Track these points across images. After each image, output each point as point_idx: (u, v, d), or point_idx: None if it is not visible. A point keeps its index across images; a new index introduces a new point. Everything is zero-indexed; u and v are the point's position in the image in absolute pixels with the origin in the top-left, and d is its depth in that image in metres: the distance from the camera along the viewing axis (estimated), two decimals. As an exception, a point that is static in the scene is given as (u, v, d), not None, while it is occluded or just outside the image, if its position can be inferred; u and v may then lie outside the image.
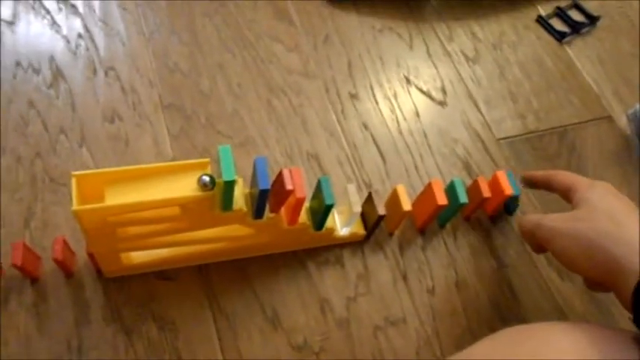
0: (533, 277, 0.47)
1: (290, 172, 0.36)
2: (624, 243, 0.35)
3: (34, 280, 0.40)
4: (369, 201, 0.45)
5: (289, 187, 0.35)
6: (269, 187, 0.35)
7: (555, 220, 0.39)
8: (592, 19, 0.66)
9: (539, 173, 0.47)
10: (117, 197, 0.35)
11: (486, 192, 0.46)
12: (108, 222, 0.35)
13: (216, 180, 0.35)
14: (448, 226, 0.48)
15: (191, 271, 0.43)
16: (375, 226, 0.45)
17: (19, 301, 0.39)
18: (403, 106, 0.56)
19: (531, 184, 0.47)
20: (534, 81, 0.60)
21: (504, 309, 0.45)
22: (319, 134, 0.52)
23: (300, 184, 0.37)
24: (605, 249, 0.35)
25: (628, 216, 0.37)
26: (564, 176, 0.44)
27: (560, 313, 0.46)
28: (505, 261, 0.48)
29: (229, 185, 0.35)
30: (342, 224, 0.45)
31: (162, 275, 0.42)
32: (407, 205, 0.44)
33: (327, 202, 0.39)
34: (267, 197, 0.36)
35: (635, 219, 0.37)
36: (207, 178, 0.34)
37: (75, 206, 0.33)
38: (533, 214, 0.45)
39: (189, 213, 0.36)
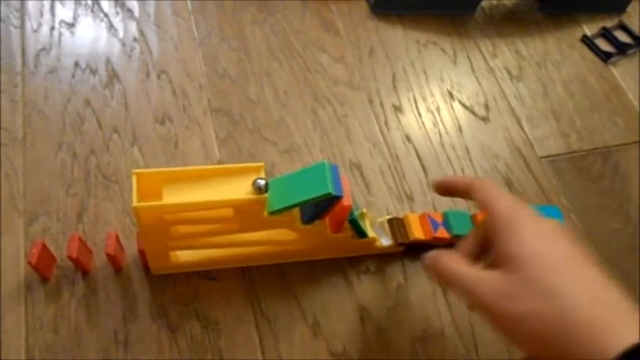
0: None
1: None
2: (573, 332, 0.28)
3: (86, 273, 0.41)
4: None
5: (340, 193, 0.36)
6: (343, 194, 0.36)
7: (488, 295, 0.31)
8: (638, 41, 0.65)
9: (459, 180, 0.39)
10: (174, 196, 0.36)
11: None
12: (163, 220, 0.36)
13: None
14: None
15: (234, 272, 0.44)
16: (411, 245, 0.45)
17: (71, 293, 0.41)
18: (446, 120, 0.56)
19: (447, 191, 0.39)
20: (578, 100, 0.60)
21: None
22: (362, 144, 0.52)
23: (348, 192, 0.38)
24: (553, 340, 0.28)
25: (572, 285, 0.29)
26: (484, 194, 0.35)
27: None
28: (545, 279, 0.48)
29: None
30: (382, 234, 0.45)
31: (207, 275, 0.43)
32: (418, 233, 0.45)
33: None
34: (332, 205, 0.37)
35: (584, 284, 0.29)
36: (262, 182, 0.35)
37: (135, 203, 0.34)
38: (452, 256, 0.35)
39: (242, 215, 0.37)
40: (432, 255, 0.35)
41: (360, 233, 0.42)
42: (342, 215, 0.40)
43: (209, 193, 0.36)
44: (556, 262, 0.30)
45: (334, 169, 0.36)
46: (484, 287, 0.31)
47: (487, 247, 0.35)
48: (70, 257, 0.39)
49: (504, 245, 0.32)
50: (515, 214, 0.33)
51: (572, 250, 0.31)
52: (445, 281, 0.34)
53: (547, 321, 0.28)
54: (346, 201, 0.38)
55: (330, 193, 0.34)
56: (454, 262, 0.34)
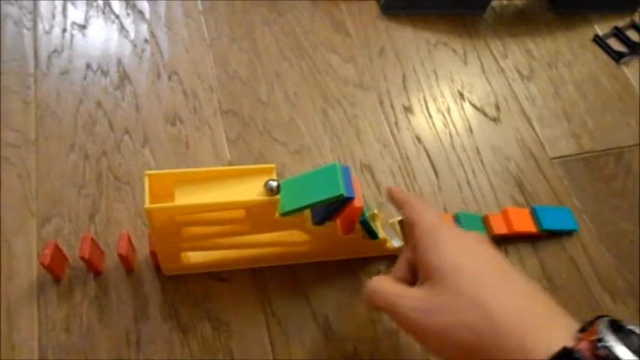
0: (585, 299, 0.47)
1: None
2: (500, 342, 0.27)
3: (98, 274, 0.42)
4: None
5: (352, 194, 0.36)
6: (354, 195, 0.35)
7: (413, 310, 0.30)
8: (651, 41, 0.65)
9: (397, 194, 0.39)
10: (186, 197, 0.36)
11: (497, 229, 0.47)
12: (175, 221, 0.36)
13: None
14: (499, 244, 0.48)
15: (245, 273, 0.44)
16: None
17: (83, 293, 0.41)
18: (456, 120, 0.56)
19: (391, 201, 0.40)
20: (590, 101, 0.60)
21: (556, 330, 0.45)
22: (373, 145, 0.52)
23: (359, 193, 0.38)
24: (480, 351, 0.28)
25: (496, 294, 0.28)
26: (410, 211, 0.36)
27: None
28: (557, 282, 0.47)
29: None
30: (394, 236, 0.45)
31: (218, 276, 0.43)
32: None
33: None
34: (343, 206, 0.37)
35: (508, 293, 0.29)
36: (274, 184, 0.35)
37: (147, 204, 0.34)
38: (382, 278, 0.35)
39: (253, 216, 0.37)
40: (368, 282, 0.35)
41: (372, 234, 0.42)
42: (353, 216, 0.40)
43: (221, 194, 0.36)
44: (478, 272, 0.30)
45: (346, 171, 0.36)
46: (408, 302, 0.31)
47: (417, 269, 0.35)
48: (82, 258, 0.39)
49: (427, 259, 0.32)
50: (437, 229, 0.33)
51: (494, 260, 0.31)
52: (373, 303, 0.34)
53: (473, 332, 0.28)
54: (357, 202, 0.38)
55: (341, 195, 0.34)
56: (382, 282, 0.34)
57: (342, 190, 0.34)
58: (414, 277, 0.35)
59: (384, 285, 0.34)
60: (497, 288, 0.29)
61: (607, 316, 0.27)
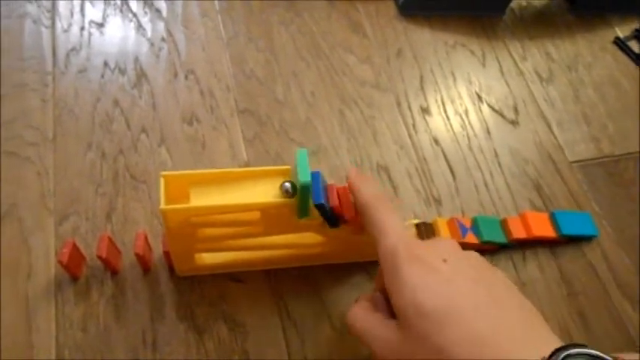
0: (605, 305, 0.46)
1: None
2: None
3: (114, 273, 0.42)
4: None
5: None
6: (308, 179, 0.34)
7: (386, 352, 0.30)
8: (673, 44, 0.64)
9: (357, 192, 0.36)
10: (201, 199, 0.36)
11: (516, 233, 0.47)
12: (190, 222, 0.36)
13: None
14: (517, 248, 0.48)
15: (261, 274, 0.44)
16: None
17: (100, 292, 0.41)
18: (474, 123, 0.55)
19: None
20: (610, 104, 0.59)
21: (575, 337, 0.44)
22: (390, 146, 0.52)
23: (348, 202, 0.37)
24: None
25: (459, 343, 0.27)
26: (371, 222, 0.34)
27: (631, 344, 0.45)
28: (576, 287, 0.47)
29: (305, 188, 0.35)
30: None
31: (233, 277, 0.43)
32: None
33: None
34: (328, 210, 0.36)
35: (474, 338, 0.27)
36: (289, 185, 0.35)
37: (162, 205, 0.34)
38: (360, 310, 0.34)
39: (269, 218, 0.37)
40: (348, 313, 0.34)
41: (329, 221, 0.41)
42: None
43: (236, 195, 0.36)
44: (442, 313, 0.28)
45: (315, 176, 0.35)
46: (380, 344, 0.30)
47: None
48: (99, 257, 0.39)
49: (390, 292, 0.31)
50: (395, 255, 0.31)
51: (463, 285, 0.29)
52: (350, 332, 0.33)
53: None
54: (348, 213, 0.37)
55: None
56: (359, 315, 0.33)
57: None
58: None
59: (361, 318, 0.33)
60: (459, 330, 0.28)
61: (574, 345, 0.26)
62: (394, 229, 0.33)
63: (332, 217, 0.37)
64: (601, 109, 0.58)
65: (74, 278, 0.41)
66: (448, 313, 0.28)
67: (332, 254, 0.44)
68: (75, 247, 0.40)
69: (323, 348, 0.41)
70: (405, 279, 0.30)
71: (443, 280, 0.30)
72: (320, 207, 0.36)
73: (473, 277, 0.30)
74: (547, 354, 0.26)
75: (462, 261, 0.31)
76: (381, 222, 0.33)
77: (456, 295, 0.29)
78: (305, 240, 0.41)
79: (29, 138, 0.47)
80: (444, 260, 0.31)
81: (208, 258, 0.43)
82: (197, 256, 0.42)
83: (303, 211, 0.37)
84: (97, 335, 0.39)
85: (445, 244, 0.33)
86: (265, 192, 0.36)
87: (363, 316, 0.33)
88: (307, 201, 0.36)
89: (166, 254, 0.41)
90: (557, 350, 0.26)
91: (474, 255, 0.33)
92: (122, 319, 0.40)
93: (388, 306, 0.33)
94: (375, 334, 0.31)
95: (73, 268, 0.40)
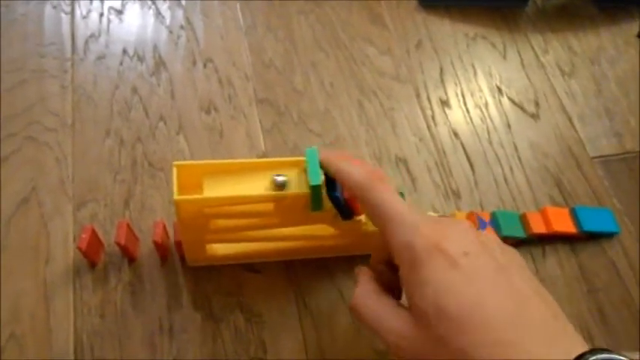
0: (626, 302, 0.45)
1: None
2: None
3: (132, 260, 0.42)
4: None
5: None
6: (319, 183, 0.34)
7: (399, 348, 0.29)
8: (699, 39, 0.62)
9: (342, 171, 0.33)
10: (215, 189, 0.35)
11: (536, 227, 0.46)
12: (204, 213, 0.36)
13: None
14: (537, 244, 0.47)
15: (278, 265, 0.43)
16: None
17: (118, 279, 0.41)
18: (494, 116, 0.54)
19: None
20: (632, 99, 0.58)
21: (595, 334, 0.43)
22: (409, 138, 0.51)
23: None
24: None
25: (482, 348, 0.26)
26: (372, 200, 0.31)
27: (652, 344, 0.44)
28: (596, 284, 0.46)
29: (316, 190, 0.35)
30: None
31: (250, 267, 0.43)
32: None
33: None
34: (342, 202, 0.36)
35: (494, 340, 0.26)
36: (280, 179, 0.35)
37: (175, 196, 0.34)
38: (365, 294, 0.32)
39: (283, 210, 0.37)
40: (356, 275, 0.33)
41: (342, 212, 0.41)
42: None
43: (250, 186, 0.36)
44: (465, 315, 0.27)
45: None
46: (393, 338, 0.29)
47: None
48: (118, 244, 0.39)
49: (407, 290, 0.29)
50: (413, 249, 0.29)
51: (485, 280, 0.28)
52: (356, 320, 0.32)
53: None
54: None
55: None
56: (365, 301, 0.31)
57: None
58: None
59: (369, 306, 0.31)
60: (482, 334, 0.26)
61: (601, 350, 0.26)
62: (401, 214, 0.30)
63: (346, 209, 0.37)
64: (624, 104, 0.57)
65: (92, 265, 0.41)
66: (471, 316, 0.27)
67: (347, 246, 0.44)
68: (94, 234, 0.40)
69: (339, 338, 0.41)
70: (426, 277, 0.28)
71: (466, 280, 0.28)
72: (334, 199, 0.35)
73: (494, 269, 0.29)
74: (572, 357, 0.25)
75: (483, 254, 0.30)
76: (384, 206, 0.31)
77: (479, 296, 0.27)
78: (318, 232, 0.41)
79: (48, 124, 0.47)
80: (465, 254, 0.29)
81: (220, 249, 0.42)
82: (208, 246, 0.41)
83: (316, 205, 0.36)
84: (114, 321, 0.39)
85: (464, 231, 0.31)
86: None
87: (371, 303, 0.31)
88: (320, 197, 0.36)
89: (178, 244, 0.41)
90: (584, 355, 0.25)
91: (491, 239, 0.32)
92: (139, 306, 0.40)
93: (394, 280, 0.31)
94: (387, 327, 0.29)
95: (91, 254, 0.40)
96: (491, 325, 0.27)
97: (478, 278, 0.28)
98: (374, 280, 0.33)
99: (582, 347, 0.26)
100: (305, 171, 0.36)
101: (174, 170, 0.35)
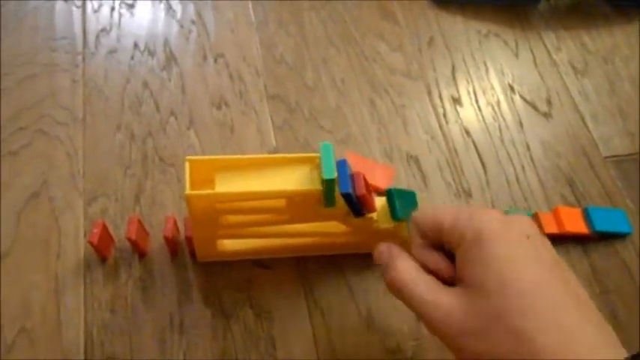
0: (637, 304, 0.45)
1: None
2: None
3: (142, 256, 0.42)
4: None
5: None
6: (334, 177, 0.34)
7: (445, 327, 0.27)
8: None
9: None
10: (227, 185, 0.35)
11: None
12: (215, 209, 0.36)
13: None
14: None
15: (288, 261, 0.43)
16: None
17: (128, 274, 0.41)
18: (506, 114, 0.54)
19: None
20: (646, 99, 0.57)
21: (607, 335, 0.43)
22: (420, 136, 0.51)
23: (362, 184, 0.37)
24: None
25: (545, 329, 0.25)
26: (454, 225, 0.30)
27: (665, 345, 0.44)
28: (608, 286, 0.46)
29: (330, 184, 0.34)
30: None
31: (261, 263, 0.43)
32: None
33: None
34: (354, 199, 0.36)
35: (556, 325, 0.25)
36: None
37: (187, 191, 0.34)
38: (408, 267, 0.31)
39: (294, 206, 0.36)
40: (385, 251, 0.32)
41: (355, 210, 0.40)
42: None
43: (262, 182, 0.35)
44: (526, 294, 0.26)
45: (341, 163, 0.35)
46: (439, 315, 0.27)
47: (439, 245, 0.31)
48: (129, 239, 0.39)
49: (466, 270, 0.28)
50: (482, 230, 0.28)
51: (544, 269, 0.27)
52: (396, 294, 0.30)
53: None
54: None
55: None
56: (410, 273, 0.30)
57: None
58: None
59: (413, 278, 0.29)
60: (545, 316, 0.26)
61: None
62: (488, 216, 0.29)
63: (358, 207, 0.37)
64: (637, 103, 0.57)
65: (103, 259, 0.41)
66: (535, 296, 0.26)
67: (358, 244, 0.43)
68: (105, 228, 0.40)
69: (349, 335, 0.41)
70: (492, 252, 0.27)
71: (530, 259, 0.27)
72: (346, 196, 0.35)
73: (551, 259, 0.29)
74: (624, 355, 0.25)
75: (542, 241, 0.29)
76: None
77: (543, 278, 0.27)
78: (329, 229, 0.41)
79: (59, 118, 0.47)
80: (528, 236, 0.28)
81: (230, 244, 0.42)
82: (219, 242, 0.41)
83: (329, 200, 0.36)
84: (124, 316, 0.39)
85: (522, 218, 0.30)
86: (291, 179, 0.36)
87: (416, 277, 0.29)
88: (333, 193, 0.35)
89: (188, 239, 0.41)
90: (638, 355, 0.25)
91: (545, 237, 0.31)
92: (149, 301, 0.40)
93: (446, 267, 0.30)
94: (435, 302, 0.28)
95: (102, 249, 0.40)
96: (555, 309, 0.26)
97: (540, 261, 0.28)
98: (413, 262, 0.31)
99: (625, 352, 0.26)
100: (318, 167, 0.35)
101: (187, 165, 0.35)
